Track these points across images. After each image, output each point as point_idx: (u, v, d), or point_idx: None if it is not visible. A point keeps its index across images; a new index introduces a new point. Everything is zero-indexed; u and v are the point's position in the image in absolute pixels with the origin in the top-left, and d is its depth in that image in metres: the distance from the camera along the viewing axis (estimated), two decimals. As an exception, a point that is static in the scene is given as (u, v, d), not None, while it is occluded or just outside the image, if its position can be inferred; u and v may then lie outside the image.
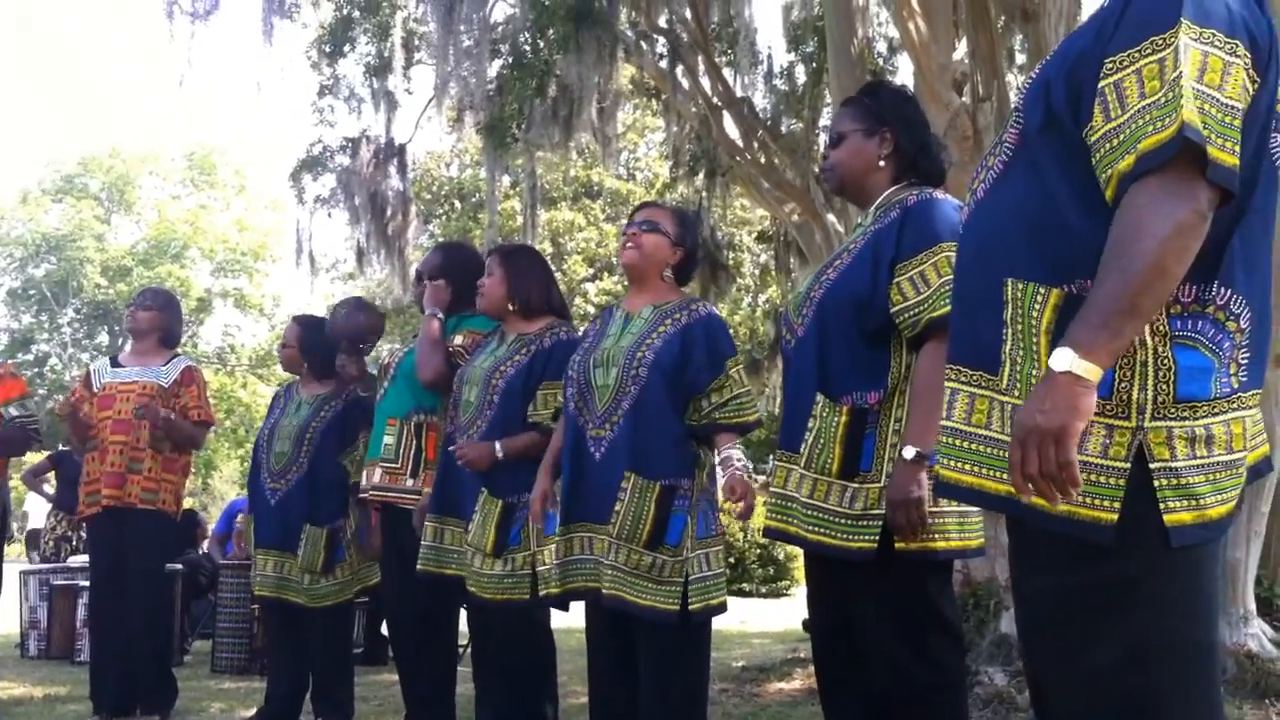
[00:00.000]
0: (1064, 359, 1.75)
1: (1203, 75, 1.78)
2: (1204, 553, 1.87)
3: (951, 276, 2.75)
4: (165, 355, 5.60)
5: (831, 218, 11.14)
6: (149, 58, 57.28)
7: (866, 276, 2.93)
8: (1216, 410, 1.87)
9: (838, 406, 2.89)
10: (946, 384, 2.06)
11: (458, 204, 25.41)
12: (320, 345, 5.25)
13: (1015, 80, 11.45)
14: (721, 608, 3.56)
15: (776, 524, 3.03)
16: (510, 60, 11.05)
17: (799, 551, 3.25)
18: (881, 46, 12.51)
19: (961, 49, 9.41)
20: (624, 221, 4.08)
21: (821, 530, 2.88)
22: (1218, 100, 1.78)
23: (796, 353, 3.04)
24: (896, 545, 2.81)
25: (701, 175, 13.11)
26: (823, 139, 3.27)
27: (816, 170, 10.77)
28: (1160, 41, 1.81)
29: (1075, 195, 1.89)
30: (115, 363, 5.63)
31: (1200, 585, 1.87)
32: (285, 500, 5.05)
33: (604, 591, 3.49)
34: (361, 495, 4.70)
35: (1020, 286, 1.93)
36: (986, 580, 7.31)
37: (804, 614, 3.21)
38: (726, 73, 12.03)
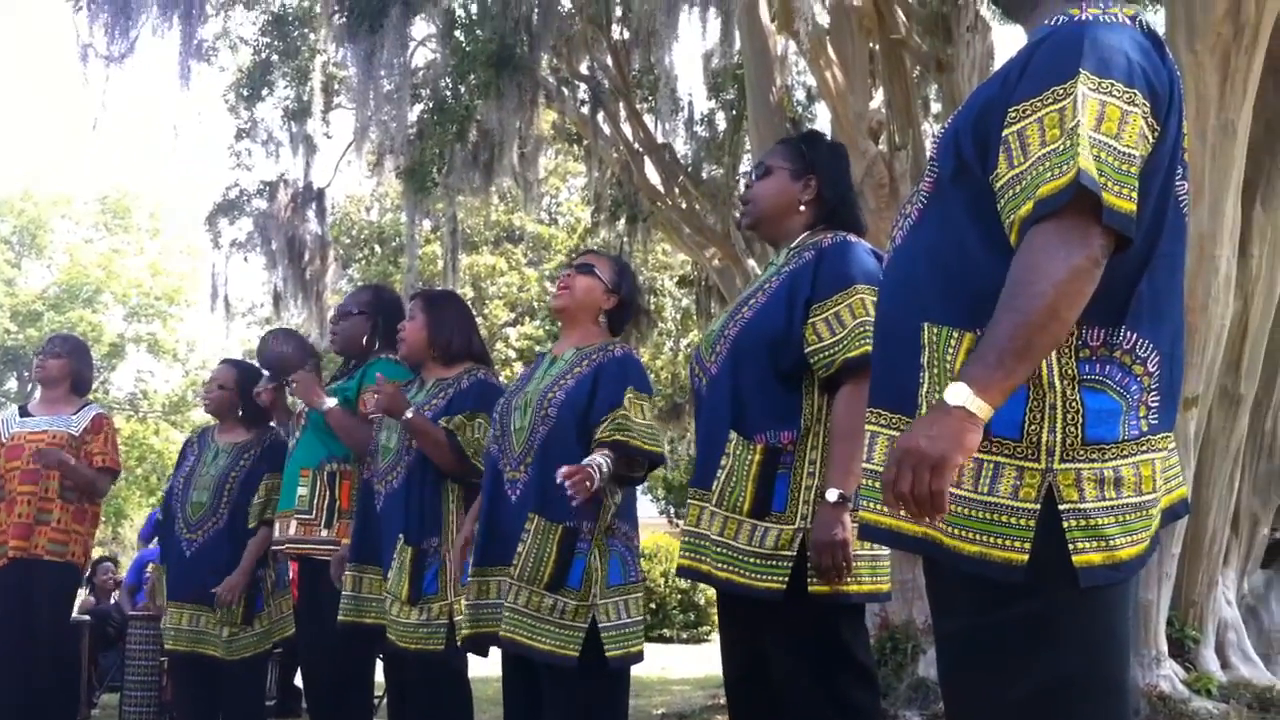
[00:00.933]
0: (959, 394, 1.78)
1: (1100, 124, 1.83)
2: (1114, 593, 1.89)
3: (867, 318, 2.80)
4: (76, 403, 5.46)
5: (752, 262, 11.23)
6: (61, 100, 56.43)
7: (782, 315, 2.94)
8: (1125, 452, 1.89)
9: (751, 445, 2.88)
10: (867, 427, 2.08)
11: (378, 248, 25.20)
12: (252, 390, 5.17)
13: (930, 129, 11.66)
14: (639, 656, 3.53)
15: (689, 562, 3.02)
16: (431, 105, 11.05)
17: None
18: (800, 95, 12.69)
19: (878, 98, 9.57)
20: (546, 266, 4.07)
21: (731, 568, 2.86)
22: (1114, 148, 1.83)
23: (710, 391, 3.04)
24: (810, 588, 2.80)
25: (623, 220, 13.19)
26: (743, 185, 3.30)
27: (737, 215, 10.88)
28: (1060, 91, 1.85)
29: (985, 240, 1.93)
30: (24, 412, 5.48)
31: (1111, 626, 1.89)
32: (202, 552, 4.91)
33: (500, 634, 3.46)
34: (275, 548, 4.59)
35: (935, 330, 1.95)
36: (904, 623, 7.36)
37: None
38: (648, 119, 12.14)
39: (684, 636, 17.44)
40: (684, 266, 17.57)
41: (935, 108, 11.67)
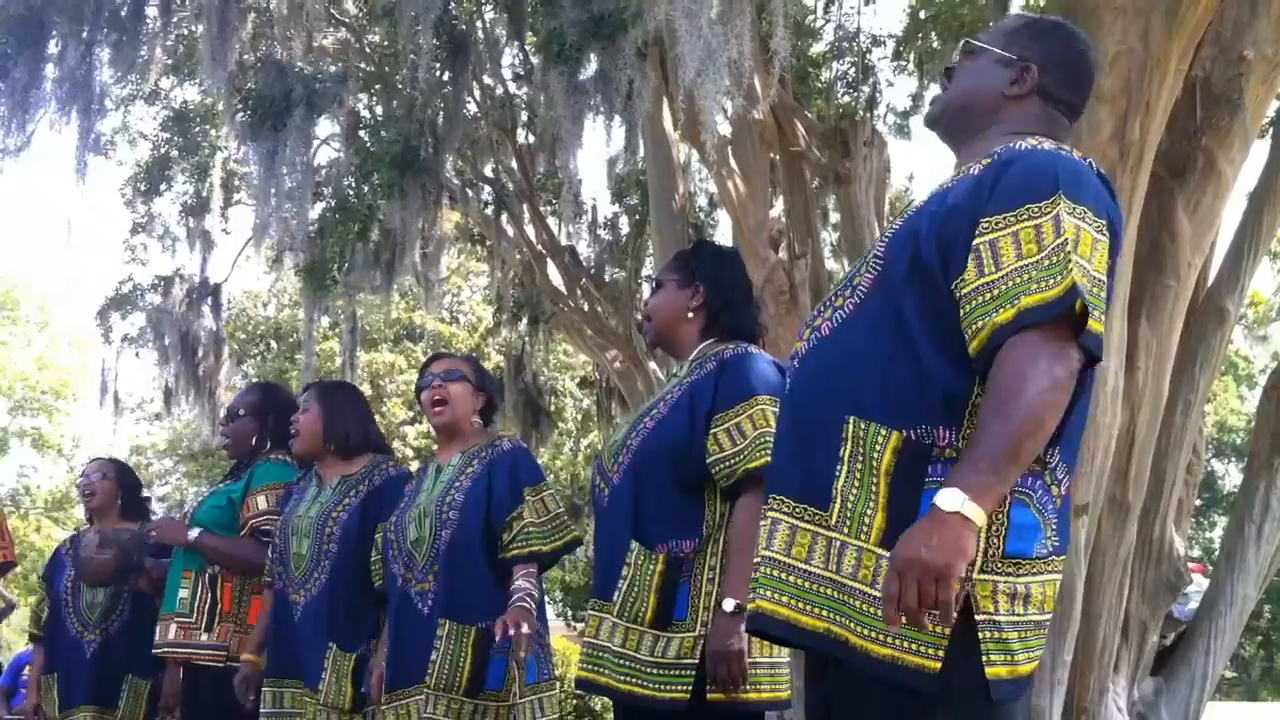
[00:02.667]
0: (953, 500, 1.78)
1: (1077, 247, 1.90)
2: (1016, 708, 1.90)
3: (767, 428, 2.82)
4: (-34, 496, 5.27)
5: (653, 365, 11.30)
6: (-49, 187, 55.29)
7: (684, 427, 2.95)
8: (1036, 570, 1.92)
9: (653, 555, 2.86)
10: (767, 512, 2.06)
11: (274, 344, 24.88)
12: (134, 487, 5.08)
13: (829, 238, 11.94)
14: None
15: (588, 674, 2.97)
16: (333, 203, 11.01)
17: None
18: (703, 201, 12.91)
19: (778, 207, 9.77)
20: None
21: (633, 680, 2.83)
22: (1089, 272, 1.90)
23: (611, 500, 3.03)
24: (709, 696, 2.78)
25: (525, 321, 13.20)
26: (646, 289, 3.36)
27: (638, 318, 10.96)
28: (1036, 209, 1.92)
29: (935, 343, 1.96)
30: None
31: None
32: (104, 650, 4.75)
33: None
34: (156, 652, 4.43)
35: (862, 425, 1.96)
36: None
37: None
38: (551, 221, 12.24)
39: (580, 744, 17.10)
40: (585, 367, 17.62)
41: (834, 217, 11.94)
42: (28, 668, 7.57)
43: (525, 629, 3.34)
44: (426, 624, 3.48)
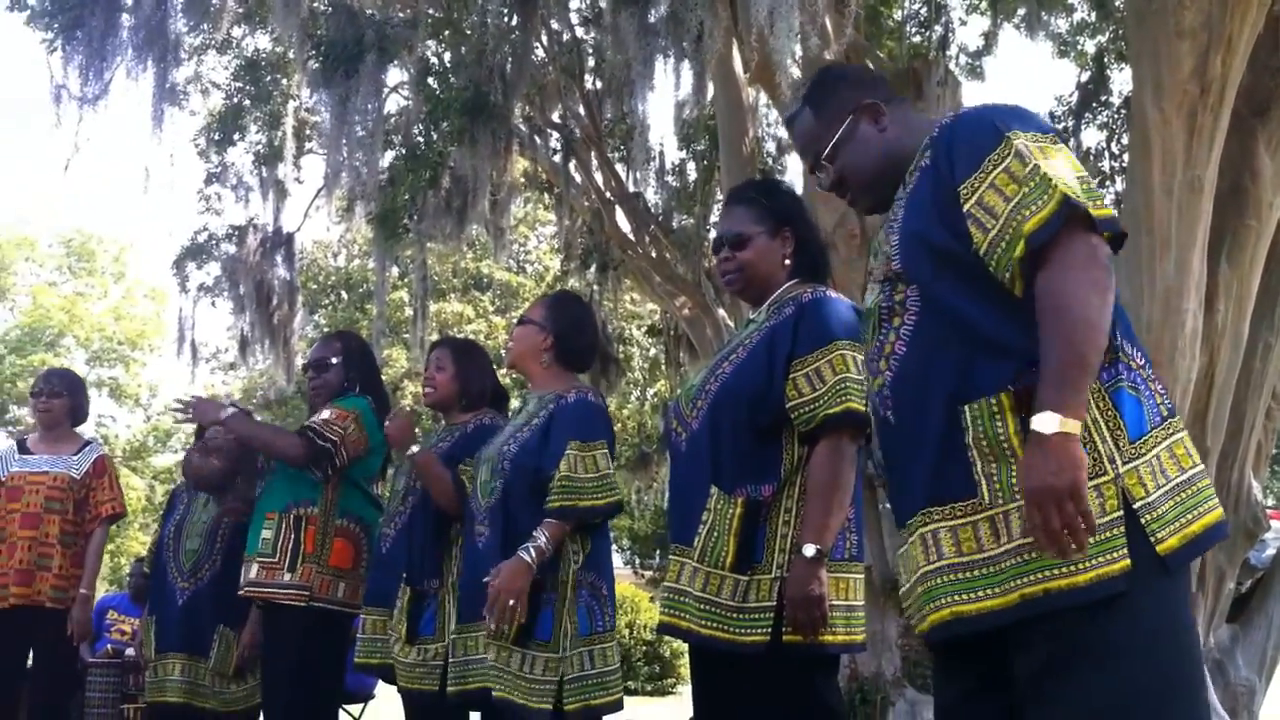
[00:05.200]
0: (1050, 422, 1.91)
1: (1048, 158, 2.07)
2: (1185, 575, 2.06)
3: (847, 374, 2.85)
4: (76, 443, 5.41)
5: (722, 312, 11.26)
6: (26, 141, 56.16)
7: (762, 372, 2.95)
8: (1160, 438, 2.05)
9: (732, 499, 2.87)
10: (918, 530, 2.16)
11: (344, 294, 25.16)
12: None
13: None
14: (606, 709, 3.52)
15: (670, 619, 2.98)
16: (403, 151, 11.05)
17: (684, 648, 3.22)
18: (771, 146, 12.79)
19: (849, 151, 9.64)
20: (514, 314, 4.15)
21: (715, 625, 2.85)
22: (1073, 172, 2.06)
23: (689, 446, 3.03)
24: (785, 639, 2.80)
25: (593, 269, 13.20)
26: (721, 258, 3.28)
27: (708, 266, 10.92)
28: (996, 157, 2.10)
29: (987, 307, 2.09)
30: (23, 448, 5.38)
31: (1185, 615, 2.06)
32: (195, 601, 4.86)
33: (493, 694, 3.46)
34: (240, 592, 4.53)
35: (975, 407, 2.07)
36: (873, 675, 7.34)
37: (691, 712, 3.17)
38: (619, 168, 12.19)
39: (649, 689, 17.27)
40: (653, 316, 17.60)
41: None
42: (110, 612, 7.79)
43: (501, 589, 3.37)
44: (485, 565, 3.54)
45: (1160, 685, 1.95)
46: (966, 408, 2.08)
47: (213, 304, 13.38)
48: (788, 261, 3.12)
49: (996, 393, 2.05)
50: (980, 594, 2.06)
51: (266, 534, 4.40)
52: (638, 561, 23.93)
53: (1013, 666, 2.06)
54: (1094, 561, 1.95)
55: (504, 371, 8.01)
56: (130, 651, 6.45)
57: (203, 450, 4.93)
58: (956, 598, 2.09)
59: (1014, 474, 2.02)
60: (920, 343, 2.18)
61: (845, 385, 2.84)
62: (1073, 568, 1.96)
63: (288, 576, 4.34)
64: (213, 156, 13.05)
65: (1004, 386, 2.05)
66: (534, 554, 3.42)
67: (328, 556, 4.37)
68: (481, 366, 4.33)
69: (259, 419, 4.42)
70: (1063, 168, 2.06)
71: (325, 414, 4.39)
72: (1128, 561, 1.95)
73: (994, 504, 2.05)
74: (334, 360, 4.62)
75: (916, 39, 11.37)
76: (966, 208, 2.10)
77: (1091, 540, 1.92)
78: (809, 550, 2.78)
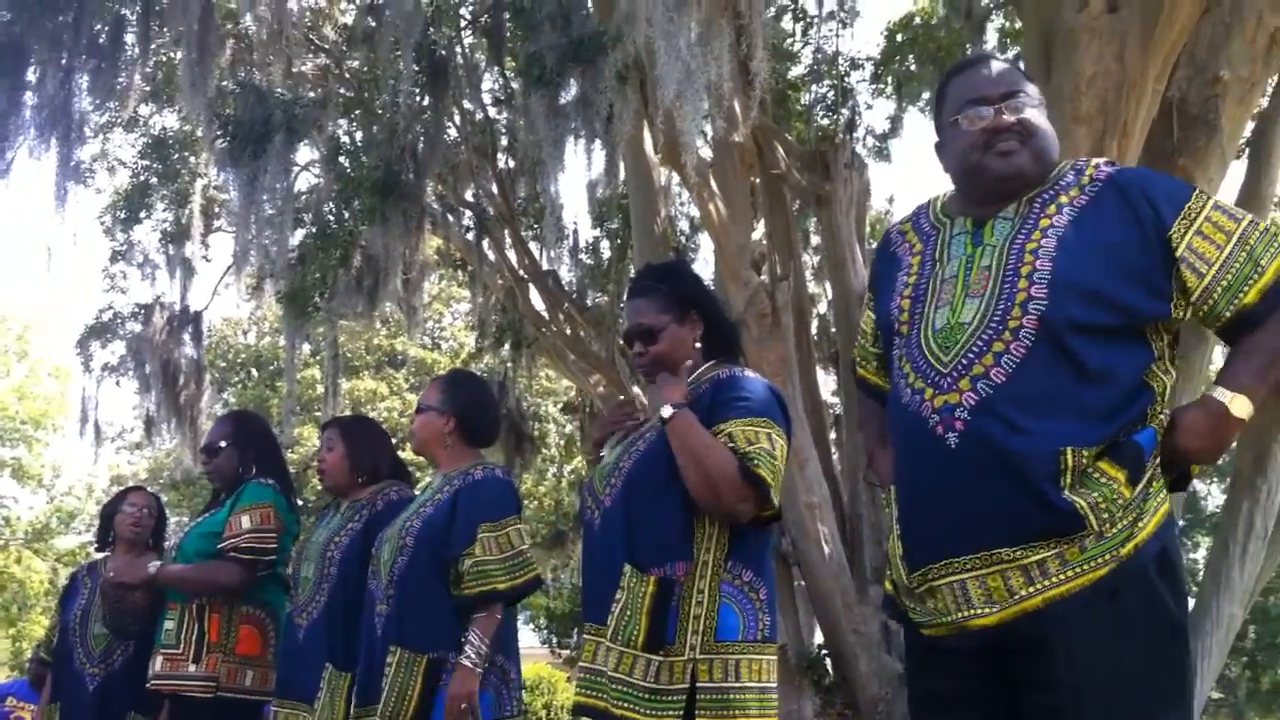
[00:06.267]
0: (1244, 407, 2.21)
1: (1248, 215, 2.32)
2: None
3: (760, 445, 2.83)
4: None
5: (637, 390, 11.27)
6: (-72, 217, 55.03)
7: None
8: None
9: (645, 577, 2.84)
10: (976, 571, 2.24)
11: (254, 372, 24.80)
12: (163, 522, 5.09)
13: (810, 261, 11.97)
14: None
15: (587, 699, 2.93)
16: (314, 230, 10.99)
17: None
18: (684, 225, 12.92)
19: (759, 230, 9.78)
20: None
21: (628, 705, 2.80)
22: None
23: (603, 524, 3.01)
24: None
25: (507, 346, 13.18)
26: (636, 353, 3.25)
27: (621, 343, 10.94)
28: (1194, 205, 2.29)
29: (1109, 372, 2.23)
30: None
31: None
32: (107, 686, 4.70)
33: None
34: (147, 685, 4.38)
35: (1077, 452, 2.18)
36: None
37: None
38: (532, 246, 12.22)
39: (566, 771, 17.01)
40: (568, 392, 17.57)
41: (815, 240, 11.97)
42: (10, 699, 7.50)
43: (465, 706, 3.37)
44: (382, 646, 3.51)
45: None
46: (1070, 450, 2.18)
47: (117, 383, 13.15)
48: (698, 344, 3.12)
49: (1094, 444, 2.19)
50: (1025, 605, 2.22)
51: (169, 624, 4.31)
52: (554, 640, 23.61)
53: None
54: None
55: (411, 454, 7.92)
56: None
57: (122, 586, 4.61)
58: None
59: (1123, 514, 2.18)
60: (1026, 379, 2.22)
61: (758, 453, 2.83)
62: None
63: (193, 668, 4.23)
64: (118, 234, 12.90)
65: (1099, 442, 2.19)
66: (474, 657, 3.41)
67: (234, 644, 4.28)
68: (373, 441, 4.27)
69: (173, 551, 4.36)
70: (1268, 220, 2.32)
71: (245, 522, 4.31)
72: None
73: (1102, 529, 2.17)
74: (223, 444, 4.55)
75: (824, 122, 11.61)
76: (1179, 253, 2.25)
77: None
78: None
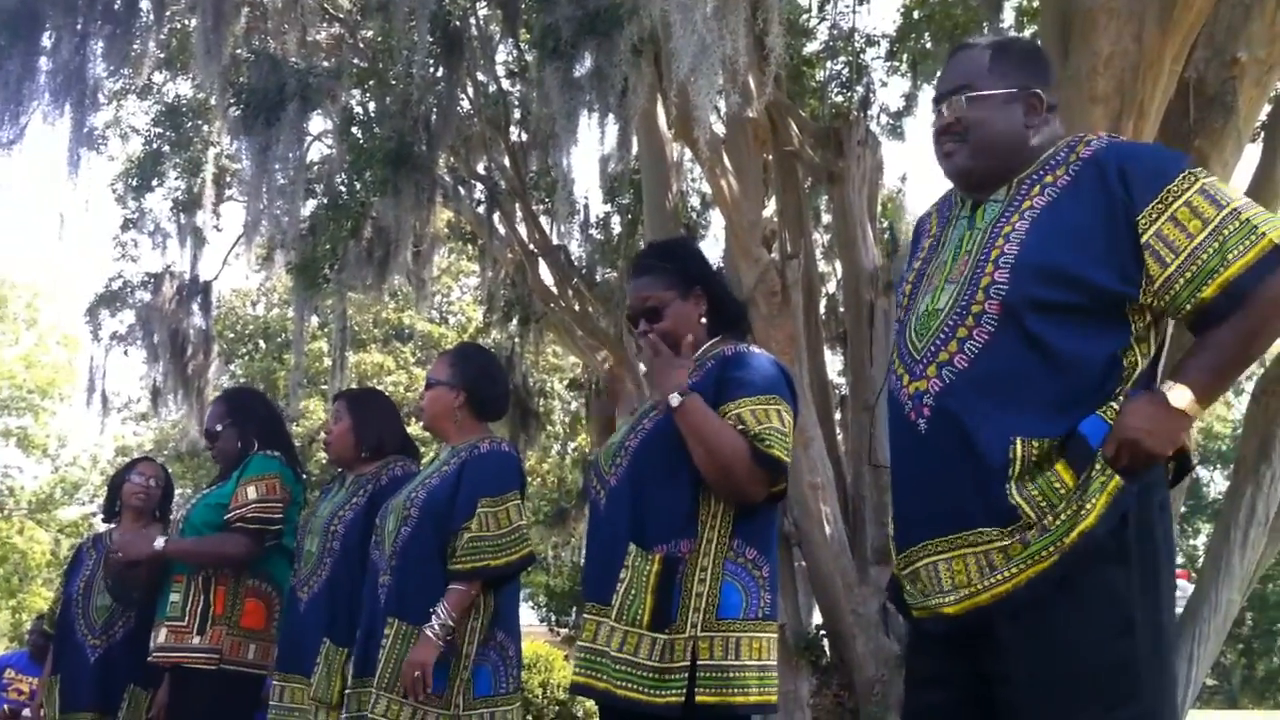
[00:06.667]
0: (1183, 398, 2.14)
1: (1237, 198, 2.19)
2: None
3: (769, 424, 2.82)
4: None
5: (643, 366, 11.26)
6: (-61, 184, 54.94)
7: None
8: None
9: (650, 556, 2.84)
10: (934, 557, 2.26)
11: (262, 343, 24.85)
12: (172, 492, 5.07)
13: (821, 239, 11.95)
14: None
15: (585, 679, 2.93)
16: (325, 201, 10.99)
17: (597, 708, 3.17)
18: (695, 201, 12.90)
19: (771, 207, 9.76)
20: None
21: (632, 685, 2.80)
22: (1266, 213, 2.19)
23: (608, 502, 3.00)
24: (698, 699, 2.77)
25: (515, 321, 13.17)
26: (640, 332, 3.25)
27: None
28: (1175, 188, 2.19)
29: (1077, 358, 2.19)
30: None
31: None
32: (108, 658, 4.70)
33: None
34: (149, 659, 4.39)
35: (1034, 444, 2.17)
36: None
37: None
38: (543, 221, 12.21)
39: (562, 748, 17.07)
40: (574, 369, 17.58)
41: (826, 218, 11.94)
42: (8, 670, 7.53)
43: (417, 674, 3.36)
44: (383, 617, 3.52)
45: None
46: (1020, 441, 2.17)
47: (125, 353, 13.15)
48: (704, 320, 3.11)
49: (1053, 434, 2.16)
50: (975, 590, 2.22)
51: (175, 596, 4.30)
52: (553, 619, 23.69)
53: None
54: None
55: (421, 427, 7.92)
56: (27, 712, 6.23)
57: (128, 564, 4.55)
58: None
59: (1068, 508, 2.14)
60: (988, 364, 2.23)
61: (769, 432, 2.83)
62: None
63: (197, 640, 4.24)
64: (130, 202, 12.90)
65: (1055, 435, 2.17)
66: (438, 630, 3.41)
67: (239, 617, 4.28)
68: (381, 415, 4.28)
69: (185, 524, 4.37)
70: (1255, 205, 2.19)
71: (251, 493, 4.31)
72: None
73: (1042, 523, 2.15)
74: (220, 427, 4.56)
75: (839, 99, 11.57)
76: (1144, 238, 2.18)
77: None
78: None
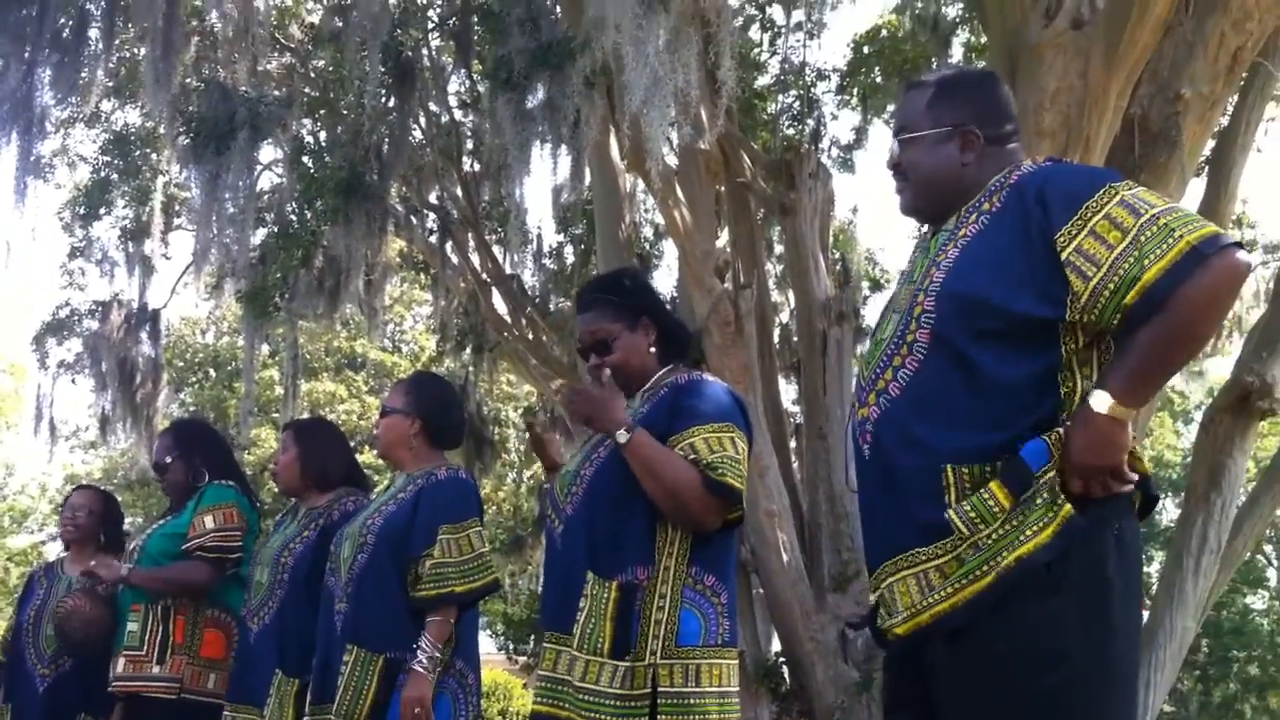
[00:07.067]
0: (1103, 403, 2.11)
1: (1167, 211, 2.16)
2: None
3: (723, 452, 2.85)
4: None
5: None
6: (-119, 210, 53.98)
7: None
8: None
9: (607, 583, 2.85)
10: (907, 572, 2.26)
11: (212, 372, 24.60)
12: (116, 516, 5.02)
13: (773, 269, 12.01)
14: None
15: (548, 709, 2.93)
16: (276, 229, 10.92)
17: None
18: (648, 231, 12.93)
19: (724, 237, 9.80)
20: (387, 395, 4.12)
21: (595, 714, 2.80)
22: (1189, 216, 2.17)
23: (565, 532, 3.01)
24: None
25: (469, 350, 13.13)
26: (590, 370, 3.27)
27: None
28: (1094, 203, 2.18)
29: (1006, 382, 2.20)
30: None
31: None
32: (56, 688, 4.63)
33: None
34: (109, 689, 4.33)
35: (962, 470, 2.19)
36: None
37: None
38: (496, 250, 12.20)
39: (521, 777, 16.96)
40: (529, 397, 17.54)
41: (778, 249, 12.01)
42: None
43: (417, 710, 3.35)
44: (339, 644, 3.52)
45: None
46: (950, 467, 2.19)
47: (73, 381, 13.00)
48: (653, 349, 3.13)
49: (984, 460, 2.17)
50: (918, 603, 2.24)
51: (133, 626, 4.28)
52: (511, 647, 23.53)
53: None
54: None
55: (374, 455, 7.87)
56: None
57: (89, 595, 4.44)
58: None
59: (999, 526, 2.14)
60: (917, 391, 2.26)
61: (721, 461, 2.85)
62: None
63: (156, 669, 4.22)
64: (77, 231, 12.76)
65: (988, 459, 2.17)
66: (427, 663, 3.40)
67: (199, 647, 4.26)
68: (328, 445, 4.27)
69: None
70: (1174, 207, 2.18)
71: (209, 522, 4.31)
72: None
73: (974, 533, 2.15)
74: (169, 459, 4.54)
75: (790, 131, 11.66)
76: (1065, 256, 2.16)
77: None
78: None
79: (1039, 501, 2.13)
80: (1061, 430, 2.16)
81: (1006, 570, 2.12)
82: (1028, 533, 2.12)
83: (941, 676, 2.22)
